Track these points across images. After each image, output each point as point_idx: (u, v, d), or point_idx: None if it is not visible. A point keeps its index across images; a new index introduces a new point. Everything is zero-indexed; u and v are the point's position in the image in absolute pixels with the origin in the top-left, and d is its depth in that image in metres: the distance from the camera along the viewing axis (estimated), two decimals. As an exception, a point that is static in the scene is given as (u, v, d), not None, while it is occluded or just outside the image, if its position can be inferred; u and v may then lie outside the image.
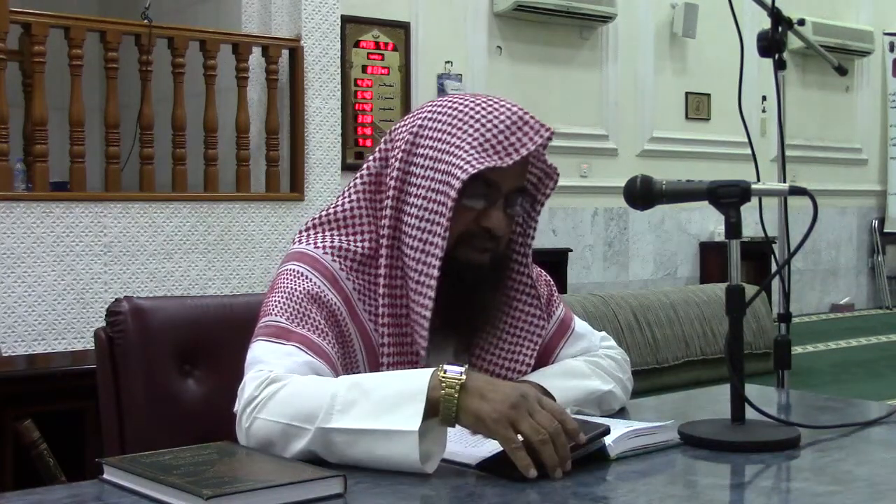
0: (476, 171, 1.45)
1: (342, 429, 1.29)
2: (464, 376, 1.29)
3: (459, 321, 1.49)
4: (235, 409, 1.39)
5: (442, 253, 1.47)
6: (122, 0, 6.75)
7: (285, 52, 6.05)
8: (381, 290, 1.51)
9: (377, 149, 1.59)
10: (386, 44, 6.94)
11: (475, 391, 1.28)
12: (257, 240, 5.78)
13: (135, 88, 5.62)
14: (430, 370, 1.31)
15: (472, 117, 1.50)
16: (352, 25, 6.73)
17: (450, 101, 1.55)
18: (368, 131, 6.79)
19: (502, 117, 1.50)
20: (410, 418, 1.26)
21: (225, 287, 5.60)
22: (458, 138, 1.49)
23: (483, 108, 1.51)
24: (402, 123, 1.58)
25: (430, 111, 1.55)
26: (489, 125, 1.49)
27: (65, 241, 5.13)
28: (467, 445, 1.37)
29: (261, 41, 6.01)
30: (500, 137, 1.49)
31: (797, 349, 6.74)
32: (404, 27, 7.04)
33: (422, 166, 1.51)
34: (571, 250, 7.73)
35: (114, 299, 1.70)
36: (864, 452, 1.47)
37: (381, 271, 1.51)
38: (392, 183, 1.53)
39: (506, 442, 1.26)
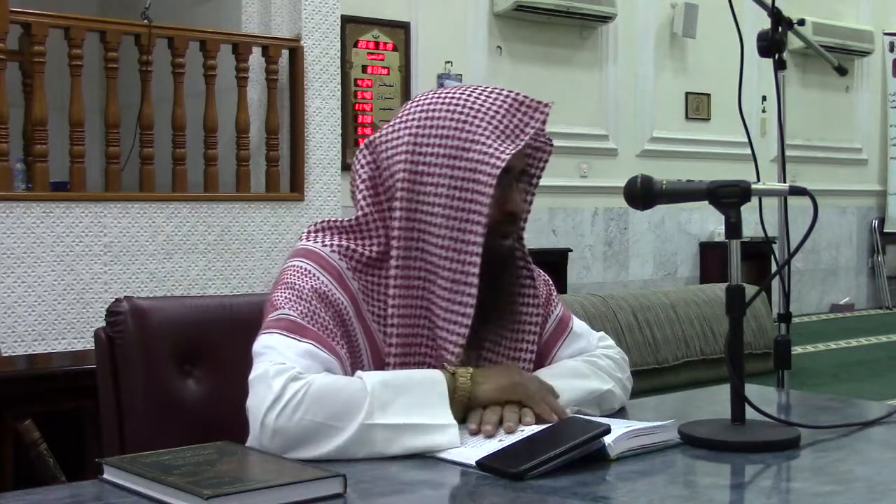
0: (507, 160, 1.48)
1: (386, 424, 1.36)
2: (469, 370, 1.48)
3: (482, 312, 1.51)
4: (249, 402, 1.38)
5: (480, 249, 1.49)
6: (122, 0, 6.75)
7: (285, 52, 6.05)
8: (391, 292, 1.50)
9: (357, 159, 1.58)
10: (386, 44, 6.94)
11: (482, 379, 1.48)
12: (257, 240, 5.77)
13: (135, 88, 5.62)
14: (441, 372, 1.47)
15: (474, 108, 1.52)
16: (352, 25, 6.73)
17: (439, 98, 1.55)
18: (368, 131, 6.78)
19: (500, 102, 1.53)
20: (445, 413, 1.41)
21: (225, 287, 5.60)
22: (470, 132, 1.50)
23: (480, 98, 1.53)
24: (392, 127, 1.56)
25: (422, 111, 1.54)
26: (494, 112, 1.52)
27: (65, 241, 5.12)
28: (467, 445, 1.37)
29: (261, 41, 6.00)
30: (507, 122, 1.51)
31: (797, 349, 6.74)
32: (404, 27, 7.04)
33: (435, 164, 1.51)
34: (571, 250, 7.73)
35: (114, 299, 1.70)
36: (864, 452, 1.47)
37: (392, 272, 1.51)
38: (400, 184, 1.51)
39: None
